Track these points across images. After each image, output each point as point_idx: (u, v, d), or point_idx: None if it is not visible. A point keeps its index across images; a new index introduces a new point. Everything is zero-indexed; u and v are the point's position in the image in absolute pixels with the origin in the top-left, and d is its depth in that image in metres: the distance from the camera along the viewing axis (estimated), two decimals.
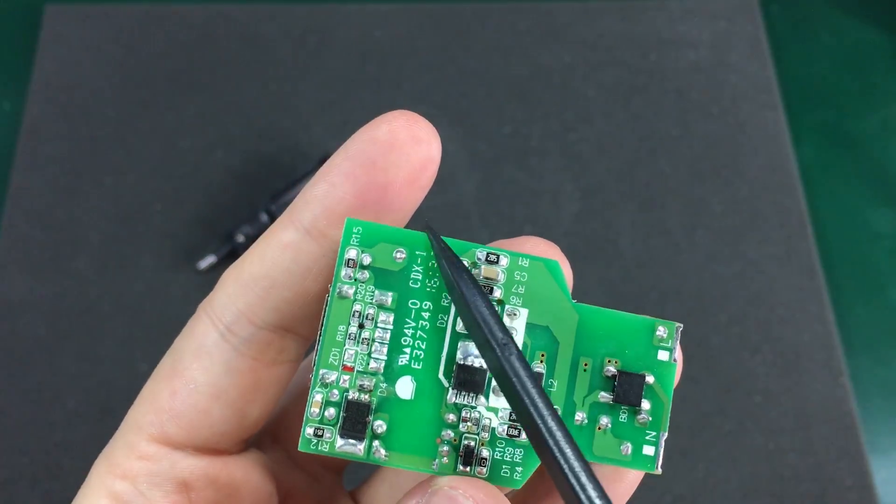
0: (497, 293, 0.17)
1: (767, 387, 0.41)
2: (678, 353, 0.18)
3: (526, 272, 0.17)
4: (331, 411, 0.17)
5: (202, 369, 0.18)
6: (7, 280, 0.42)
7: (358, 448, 0.17)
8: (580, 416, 0.17)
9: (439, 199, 0.45)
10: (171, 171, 0.45)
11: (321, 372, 0.17)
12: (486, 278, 0.17)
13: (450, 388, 0.17)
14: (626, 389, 0.17)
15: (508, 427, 0.17)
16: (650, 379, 0.18)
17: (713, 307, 0.43)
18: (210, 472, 0.19)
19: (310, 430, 0.17)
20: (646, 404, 0.17)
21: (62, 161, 0.45)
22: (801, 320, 0.43)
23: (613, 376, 0.17)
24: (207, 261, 0.42)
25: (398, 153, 0.17)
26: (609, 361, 0.18)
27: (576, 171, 0.46)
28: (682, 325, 0.18)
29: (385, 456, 0.17)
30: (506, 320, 0.17)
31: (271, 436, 0.22)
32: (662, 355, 0.18)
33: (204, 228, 0.44)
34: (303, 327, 0.19)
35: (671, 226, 0.45)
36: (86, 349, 0.41)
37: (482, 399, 0.17)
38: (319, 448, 0.17)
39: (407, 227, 0.18)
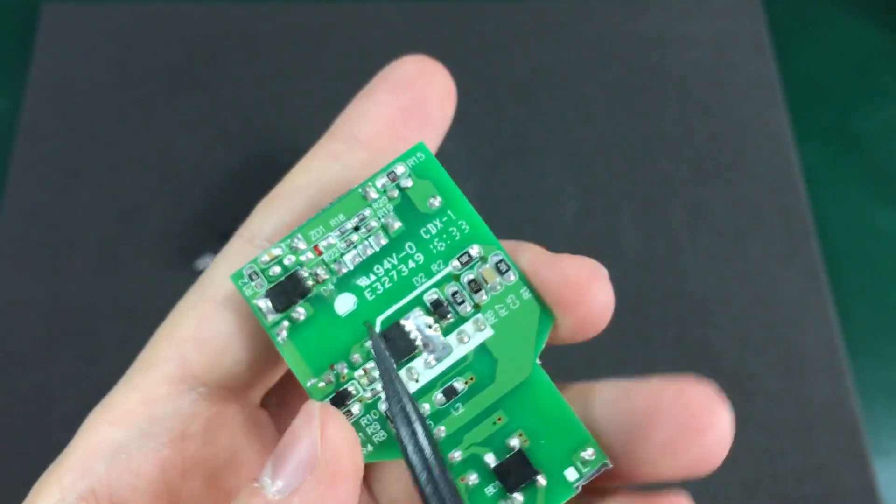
0: (483, 297, 0.16)
1: (769, 388, 0.41)
2: (583, 484, 0.16)
3: (520, 302, 0.16)
4: (276, 269, 0.17)
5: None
6: (3, 279, 0.42)
7: (270, 316, 0.16)
8: (456, 454, 0.16)
9: None
10: (169, 170, 0.45)
11: (296, 236, 0.17)
12: (476, 279, 0.16)
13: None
14: (512, 470, 0.16)
15: (387, 409, 0.16)
16: (542, 481, 0.16)
17: (715, 307, 0.43)
18: (212, 425, 0.17)
19: (249, 269, 0.17)
20: (518, 497, 0.16)
21: (59, 160, 0.45)
22: (804, 321, 0.42)
23: (512, 449, 0.16)
24: (205, 261, 0.42)
25: (430, 75, 0.20)
26: (520, 434, 0.16)
27: (576, 171, 0.46)
28: (611, 465, 0.16)
29: (283, 341, 0.16)
30: (469, 325, 0.16)
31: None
32: (570, 474, 0.16)
33: (202, 228, 0.44)
34: None
35: (673, 226, 0.45)
36: (83, 349, 0.41)
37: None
38: (244, 290, 0.16)
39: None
